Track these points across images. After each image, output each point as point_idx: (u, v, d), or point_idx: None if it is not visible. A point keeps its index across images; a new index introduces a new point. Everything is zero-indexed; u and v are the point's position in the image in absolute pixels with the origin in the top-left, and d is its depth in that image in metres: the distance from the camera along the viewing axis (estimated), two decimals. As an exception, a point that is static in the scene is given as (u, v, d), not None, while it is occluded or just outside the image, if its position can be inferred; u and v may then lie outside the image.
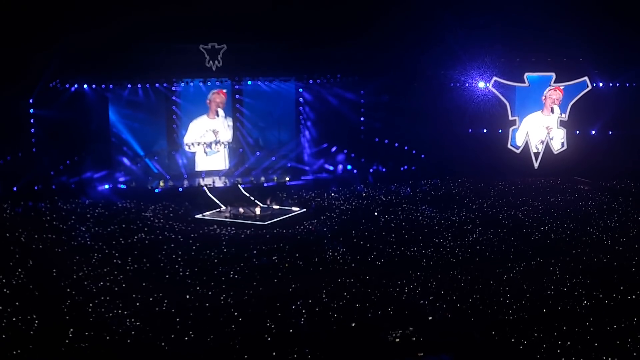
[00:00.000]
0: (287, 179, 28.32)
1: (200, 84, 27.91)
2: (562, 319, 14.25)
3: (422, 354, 13.00)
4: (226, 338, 13.57)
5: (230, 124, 29.03)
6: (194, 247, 19.69)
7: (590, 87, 29.43)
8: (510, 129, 29.91)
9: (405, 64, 28.42)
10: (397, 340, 13.46)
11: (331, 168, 29.39)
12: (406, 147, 30.07)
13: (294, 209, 24.15)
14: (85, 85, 26.16)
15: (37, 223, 21.90)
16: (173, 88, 27.83)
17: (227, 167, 29.07)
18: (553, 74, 29.45)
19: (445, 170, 28.90)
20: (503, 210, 23.83)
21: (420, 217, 23.10)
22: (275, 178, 28.24)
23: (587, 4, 27.85)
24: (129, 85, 27.03)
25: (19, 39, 23.83)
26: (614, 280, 16.62)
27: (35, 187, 25.37)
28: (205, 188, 26.70)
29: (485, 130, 30.14)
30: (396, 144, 29.97)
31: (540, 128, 29.97)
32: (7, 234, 20.50)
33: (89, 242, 20.11)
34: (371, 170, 29.56)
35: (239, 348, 13.19)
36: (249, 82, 28.56)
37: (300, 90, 29.37)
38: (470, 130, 29.92)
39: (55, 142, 25.74)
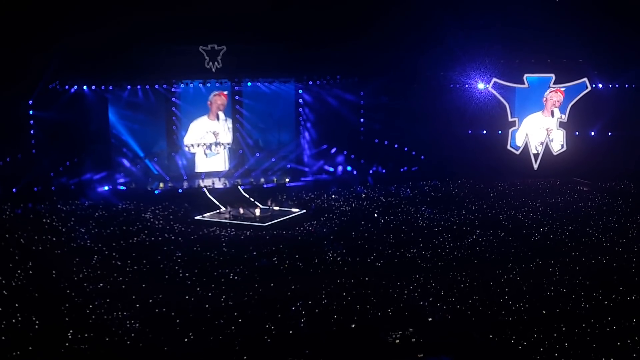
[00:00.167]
0: (287, 180, 28.34)
1: (200, 85, 27.90)
2: (562, 320, 14.26)
3: (421, 355, 13.00)
4: (226, 339, 13.58)
5: (230, 125, 29.03)
6: (193, 249, 19.70)
7: (589, 88, 29.45)
8: (510, 130, 29.92)
9: (404, 65, 28.42)
10: (397, 341, 13.46)
11: (331, 169, 29.40)
12: (406, 149, 30.08)
13: (293, 210, 24.15)
14: (84, 87, 26.16)
15: (37, 224, 21.91)
16: (173, 89, 27.82)
17: (227, 168, 29.07)
18: (552, 75, 29.47)
19: (445, 172, 28.90)
20: (502, 212, 23.84)
21: (420, 218, 23.10)
22: (275, 179, 28.26)
23: (587, 5, 27.89)
24: (129, 87, 27.03)
25: (19, 40, 23.83)
26: (613, 281, 16.63)
27: (35, 189, 25.37)
28: (205, 189, 26.70)
29: (484, 132, 30.15)
30: (396, 145, 29.97)
31: (540, 129, 29.98)
32: (7, 236, 20.50)
33: (88, 244, 20.11)
34: (371, 171, 29.57)
35: (239, 349, 13.19)
36: (249, 84, 28.57)
37: (300, 91, 29.37)
38: (469, 131, 29.93)
39: (55, 144, 25.73)
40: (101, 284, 16.58)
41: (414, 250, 19.31)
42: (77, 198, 25.27)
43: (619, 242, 20.02)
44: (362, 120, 30.10)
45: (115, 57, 25.70)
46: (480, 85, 29.48)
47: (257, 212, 23.58)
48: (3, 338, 13.40)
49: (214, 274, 17.39)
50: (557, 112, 29.81)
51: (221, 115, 28.76)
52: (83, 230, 21.42)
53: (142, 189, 26.83)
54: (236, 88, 28.70)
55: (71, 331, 13.74)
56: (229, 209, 23.92)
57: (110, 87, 26.68)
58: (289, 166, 29.35)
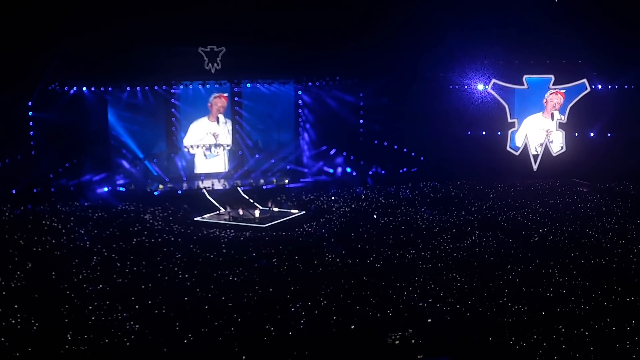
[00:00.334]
0: (287, 181, 28.34)
1: (200, 86, 27.92)
2: (561, 321, 14.25)
3: (421, 356, 13.00)
4: (226, 340, 13.58)
5: (230, 127, 29.03)
6: (193, 250, 19.69)
7: (589, 89, 29.45)
8: (509, 131, 29.94)
9: (404, 67, 28.43)
10: (397, 342, 13.46)
11: (330, 170, 29.41)
12: (405, 150, 30.11)
13: (293, 211, 24.15)
14: (84, 88, 26.18)
15: (36, 226, 21.92)
16: (172, 90, 27.85)
17: (227, 169, 29.08)
18: (552, 76, 29.48)
19: (445, 173, 28.90)
20: (502, 213, 23.84)
21: (419, 219, 23.10)
22: (275, 180, 28.26)
23: (586, 6, 27.91)
24: (128, 88, 27.05)
25: (18, 41, 23.84)
26: (612, 282, 16.62)
27: (35, 190, 25.38)
28: (204, 190, 26.71)
29: (484, 133, 30.16)
30: (395, 147, 30.00)
31: (540, 130, 29.99)
32: (7, 237, 20.51)
33: (88, 245, 20.11)
34: (370, 172, 29.59)
35: (238, 350, 13.19)
36: (248, 85, 28.60)
37: (300, 92, 29.40)
38: (469, 132, 29.92)
39: (54, 145, 25.74)
40: (101, 285, 16.57)
41: (414, 251, 19.31)
42: (76, 199, 25.28)
43: (618, 243, 20.01)
44: (361, 121, 30.13)
45: (115, 58, 25.74)
46: (480, 86, 29.50)
47: (257, 213, 23.58)
48: (2, 339, 13.39)
49: (214, 275, 17.39)
50: (557, 114, 29.81)
51: (221, 117, 28.75)
52: (82, 232, 21.42)
53: (141, 190, 26.83)
54: (235, 89, 28.72)
55: (71, 332, 13.74)
56: (228, 210, 23.91)
57: (110, 89, 26.71)
58: (288, 167, 29.37)
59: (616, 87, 29.96)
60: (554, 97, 29.70)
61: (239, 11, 25.87)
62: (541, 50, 29.32)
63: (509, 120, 29.84)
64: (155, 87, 27.43)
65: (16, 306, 15.01)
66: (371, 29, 27.21)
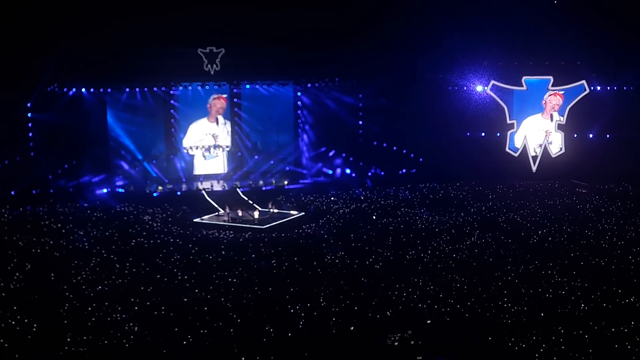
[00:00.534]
0: (286, 182, 28.33)
1: (199, 87, 27.91)
2: (561, 322, 14.27)
3: (420, 357, 13.00)
4: (225, 341, 13.58)
5: (229, 128, 29.02)
6: (192, 251, 19.69)
7: (587, 90, 29.46)
8: (509, 133, 29.95)
9: (403, 68, 28.44)
10: (396, 343, 13.47)
11: (329, 172, 29.41)
12: (404, 151, 30.12)
13: (292, 212, 24.14)
14: (83, 89, 26.14)
15: (36, 227, 21.89)
16: (171, 92, 27.83)
17: (226, 170, 29.07)
18: (551, 78, 29.49)
19: (444, 174, 28.90)
20: (501, 214, 23.85)
21: (419, 220, 23.10)
22: (274, 182, 28.25)
23: (585, 7, 27.93)
24: (127, 89, 27.03)
25: (17, 43, 23.83)
26: (612, 283, 16.64)
27: (34, 191, 25.36)
28: (203, 192, 26.70)
29: (483, 134, 30.16)
30: (394, 148, 30.01)
31: (539, 132, 30.00)
32: (6, 238, 20.49)
33: (87, 246, 20.10)
34: (369, 173, 29.59)
35: (238, 352, 13.20)
36: (247, 86, 28.58)
37: (299, 93, 29.38)
38: (468, 133, 29.92)
39: (54, 146, 25.72)
40: (100, 287, 16.57)
41: (413, 253, 19.32)
42: (75, 200, 25.24)
43: (617, 244, 20.03)
44: (360, 122, 30.15)
45: (114, 59, 25.72)
46: (479, 88, 29.51)
47: (256, 214, 23.58)
48: (2, 341, 13.39)
49: (213, 277, 17.39)
50: (556, 115, 29.83)
51: (220, 119, 28.74)
52: (82, 233, 21.41)
53: (140, 192, 26.82)
54: (235, 90, 28.69)
55: (70, 334, 13.73)
56: (227, 211, 23.90)
57: (109, 90, 26.68)
58: (287, 168, 29.36)
59: (615, 88, 29.98)
60: (553, 99, 29.71)
61: (238, 12, 25.84)
62: (540, 52, 29.35)
63: (508, 121, 29.85)
64: (155, 89, 27.42)
65: (15, 307, 15.01)
66: (370, 30, 27.22)
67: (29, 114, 25.54)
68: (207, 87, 27.95)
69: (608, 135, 30.08)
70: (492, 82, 29.39)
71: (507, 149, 30.09)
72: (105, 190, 26.39)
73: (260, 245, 20.40)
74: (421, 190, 27.67)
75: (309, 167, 29.43)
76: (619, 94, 29.92)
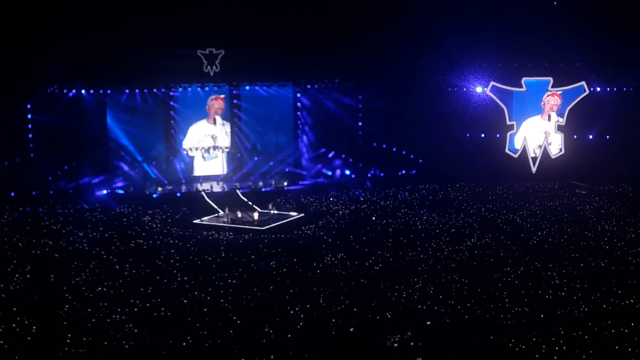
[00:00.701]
0: (285, 183, 28.33)
1: (198, 89, 27.91)
2: (560, 324, 14.27)
3: (420, 359, 13.00)
4: (224, 343, 13.57)
5: (229, 129, 29.02)
6: (192, 253, 19.68)
7: (587, 91, 29.46)
8: (508, 134, 29.95)
9: (403, 69, 28.44)
10: (396, 344, 13.46)
11: (329, 173, 29.41)
12: (404, 152, 30.11)
13: (292, 213, 24.14)
14: (83, 91, 26.13)
15: (35, 228, 21.89)
16: (171, 93, 27.81)
17: (225, 172, 29.06)
18: (550, 79, 29.49)
19: (443, 175, 28.89)
20: (501, 215, 23.85)
21: (419, 221, 23.10)
22: (273, 183, 28.25)
23: (584, 8, 27.93)
24: (127, 91, 27.01)
25: (17, 44, 23.84)
26: (612, 284, 16.64)
27: (33, 193, 25.35)
28: (203, 193, 26.70)
29: (483, 135, 30.16)
30: (394, 149, 30.01)
31: (539, 133, 30.00)
32: (5, 239, 20.49)
33: (86, 248, 20.10)
34: (369, 175, 29.59)
35: (237, 353, 13.19)
36: (247, 87, 28.57)
37: (298, 95, 29.37)
38: (468, 134, 29.93)
39: (53, 148, 25.73)
40: (99, 288, 16.57)
41: (413, 254, 19.31)
42: (75, 202, 25.23)
43: (617, 245, 20.03)
44: (360, 123, 30.16)
45: (114, 61, 25.72)
46: (479, 89, 29.51)
47: (256, 215, 23.58)
48: (1, 342, 13.38)
49: (212, 278, 17.38)
50: (554, 115, 29.83)
51: (218, 119, 28.73)
52: (81, 234, 21.41)
53: (140, 193, 26.82)
54: (234, 92, 28.68)
55: (70, 335, 13.73)
56: (227, 212, 23.90)
57: (109, 91, 26.66)
58: (287, 170, 29.35)
59: (615, 89, 29.97)
60: (551, 99, 29.72)
61: (237, 14, 25.86)
62: (540, 53, 29.35)
63: (508, 122, 29.85)
64: (154, 90, 27.41)
65: (15, 308, 15.00)
66: (370, 31, 27.22)
67: (29, 116, 25.54)
68: (206, 88, 27.94)
69: (608, 137, 30.07)
70: (492, 83, 29.40)
71: (506, 150, 30.10)
72: (105, 192, 26.39)
73: (259, 246, 20.40)
74: (421, 192, 27.66)
75: (309, 169, 29.42)
76: (619, 95, 29.91)
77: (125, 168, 27.52)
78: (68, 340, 13.50)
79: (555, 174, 29.46)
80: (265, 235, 21.86)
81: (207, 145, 28.77)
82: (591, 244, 20.26)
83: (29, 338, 13.67)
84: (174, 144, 28.53)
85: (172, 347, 13.40)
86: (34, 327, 14.10)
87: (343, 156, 29.65)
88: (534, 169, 30.12)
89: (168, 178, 28.00)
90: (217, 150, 28.89)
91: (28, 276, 17.36)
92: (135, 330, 14.09)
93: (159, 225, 22.96)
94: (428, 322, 14.59)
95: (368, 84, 29.22)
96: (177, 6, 25.62)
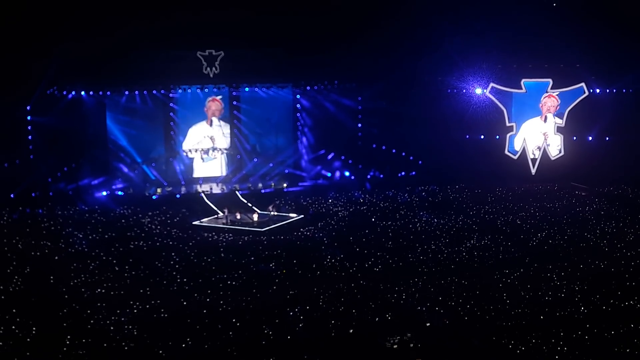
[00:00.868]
0: (285, 185, 28.33)
1: (198, 90, 27.91)
2: (560, 325, 14.26)
3: (420, 360, 13.03)
4: (224, 344, 13.57)
5: (228, 131, 29.01)
6: (191, 254, 19.68)
7: (587, 93, 29.46)
8: (508, 135, 29.96)
9: (402, 71, 28.44)
10: (395, 346, 13.45)
11: (329, 174, 29.39)
12: (404, 153, 30.11)
13: (291, 215, 24.13)
14: (82, 92, 26.14)
15: (35, 230, 21.89)
16: (170, 95, 27.81)
17: (225, 173, 29.06)
18: (550, 80, 29.50)
19: (443, 176, 28.89)
20: (500, 216, 23.85)
21: (418, 223, 23.10)
22: (273, 184, 28.24)
23: (584, 10, 27.94)
24: (127, 92, 27.01)
25: (17, 45, 23.84)
26: (611, 286, 16.64)
27: (33, 194, 25.35)
28: (202, 195, 26.69)
29: (482, 137, 30.17)
30: (393, 150, 30.01)
31: (538, 134, 30.00)
32: (5, 241, 20.49)
33: (86, 249, 20.10)
34: (369, 176, 29.58)
35: (237, 354, 13.19)
36: (247, 89, 28.56)
37: (298, 96, 29.37)
38: (467, 136, 29.94)
39: (53, 149, 25.73)
40: (99, 289, 16.57)
41: (412, 255, 19.31)
42: (75, 203, 25.24)
43: (616, 246, 20.03)
44: (359, 125, 30.16)
45: (113, 62, 25.72)
46: (478, 90, 29.52)
47: (255, 217, 23.57)
48: (1, 343, 13.38)
49: (212, 279, 17.38)
50: (550, 117, 29.82)
51: (215, 121, 28.70)
52: (81, 236, 21.41)
53: (140, 195, 26.82)
54: (234, 93, 28.67)
55: (69, 336, 13.73)
56: (226, 214, 23.89)
57: (108, 93, 26.67)
58: (286, 171, 29.33)
59: (614, 90, 29.97)
60: (548, 100, 29.71)
61: (237, 15, 25.87)
62: (539, 54, 29.36)
63: (507, 124, 29.85)
64: (154, 91, 27.40)
65: (14, 310, 15.00)
66: (369, 32, 27.22)
67: (29, 117, 25.55)
68: (206, 90, 27.95)
69: (607, 138, 30.07)
70: (491, 84, 29.41)
71: (506, 152, 30.10)
72: (104, 193, 26.39)
73: (259, 248, 20.39)
74: (420, 193, 27.66)
75: (308, 170, 29.41)
76: (618, 97, 29.90)
77: (125, 169, 27.50)
78: (67, 342, 13.50)
79: (554, 176, 29.46)
80: (264, 236, 21.85)
81: (205, 146, 28.75)
82: (591, 246, 20.25)
83: (28, 339, 13.67)
84: (174, 145, 28.52)
85: (171, 348, 13.39)
86: (34, 329, 14.09)
87: (342, 157, 29.64)
88: (533, 171, 30.13)
89: (167, 179, 27.98)
90: (215, 151, 28.86)
91: (27, 277, 17.36)
92: (135, 332, 14.09)
93: (158, 226, 22.95)
94: (428, 324, 14.58)
95: (368, 85, 29.23)
96: (177, 8, 25.62)
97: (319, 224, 23.05)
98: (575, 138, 30.13)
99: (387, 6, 28.18)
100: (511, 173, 29.55)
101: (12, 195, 24.84)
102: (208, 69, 27.25)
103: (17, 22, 24.07)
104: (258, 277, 17.60)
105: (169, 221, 23.70)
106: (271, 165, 29.36)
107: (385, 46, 27.77)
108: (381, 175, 29.86)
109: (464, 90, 29.57)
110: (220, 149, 28.91)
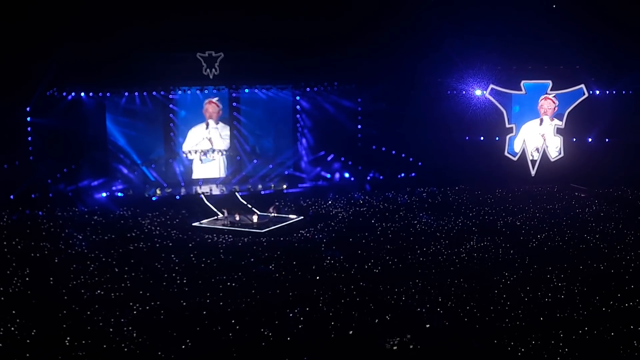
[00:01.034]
0: (285, 186, 28.32)
1: (198, 92, 27.92)
2: (560, 327, 14.26)
3: (419, 361, 13.03)
4: (224, 346, 13.56)
5: (227, 132, 29.01)
6: (191, 255, 19.67)
7: (586, 94, 29.47)
8: (507, 137, 29.96)
9: (402, 72, 28.49)
10: (395, 347, 13.45)
11: (328, 176, 29.39)
12: (403, 155, 30.10)
13: (291, 216, 24.12)
14: (82, 93, 26.15)
15: (34, 231, 21.88)
16: (170, 96, 27.82)
17: (224, 175, 29.05)
18: (550, 82, 29.51)
19: (443, 178, 28.88)
20: (500, 218, 23.85)
21: (418, 224, 23.10)
22: (273, 186, 28.24)
23: (584, 11, 27.96)
24: (126, 93, 27.01)
25: (17, 46, 23.85)
26: (611, 287, 16.64)
27: (33, 195, 25.34)
28: (202, 196, 26.68)
29: (482, 138, 30.18)
30: (393, 152, 30.01)
31: (537, 136, 30.00)
32: (4, 242, 20.48)
33: (86, 251, 20.09)
34: (368, 177, 29.56)
35: (237, 356, 13.18)
36: (246, 90, 28.56)
37: (298, 97, 29.36)
38: (467, 137, 29.95)
39: (53, 150, 25.75)
40: (99, 291, 16.56)
41: (412, 257, 19.31)
42: (74, 205, 25.23)
43: (616, 248, 20.03)
44: (359, 126, 30.15)
45: (113, 63, 25.73)
46: (478, 92, 29.53)
47: (255, 218, 23.55)
48: (1, 345, 13.37)
49: (212, 281, 17.37)
50: (547, 119, 29.79)
51: (212, 123, 28.67)
52: (80, 237, 21.40)
53: (139, 196, 26.81)
54: (234, 95, 28.69)
55: (69, 338, 13.72)
56: (226, 215, 23.88)
57: (108, 94, 26.68)
58: (286, 173, 29.33)
59: (614, 92, 29.98)
60: (544, 103, 29.71)
61: (237, 17, 25.89)
62: (539, 56, 29.38)
63: (507, 125, 29.86)
64: (154, 93, 27.40)
65: (14, 312, 14.99)
66: (369, 34, 27.26)
67: (28, 118, 25.57)
68: (205, 91, 27.95)
69: (607, 140, 30.09)
70: (491, 86, 29.42)
71: (506, 153, 30.10)
72: (104, 195, 26.37)
73: (259, 249, 20.39)
74: (420, 194, 27.65)
75: (308, 171, 29.40)
76: (618, 98, 29.93)
77: (125, 171, 27.51)
78: (67, 343, 13.49)
79: (554, 177, 29.46)
80: (264, 238, 21.85)
81: (205, 148, 28.75)
82: (590, 247, 20.25)
83: (28, 341, 13.66)
84: (173, 146, 28.52)
85: (171, 350, 13.38)
86: (33, 330, 14.08)
87: (342, 159, 29.63)
88: (533, 172, 30.13)
89: (167, 181, 27.98)
90: (214, 153, 28.85)
91: (27, 279, 17.35)
92: (135, 333, 14.08)
93: (158, 228, 22.94)
94: (427, 325, 14.58)
95: (367, 87, 29.23)
96: (177, 9, 25.63)
97: (319, 226, 23.02)
98: (575, 139, 30.14)
99: (387, 8, 28.20)
100: (511, 174, 29.56)
101: (11, 197, 24.84)
102: (208, 70, 27.25)
103: (17, 24, 24.08)
104: (258, 278, 17.58)
105: (168, 222, 23.69)
106: (271, 166, 29.36)
107: (385, 47, 27.80)
108: (381, 177, 29.85)
109: (464, 92, 29.59)
110: (219, 151, 28.88)
